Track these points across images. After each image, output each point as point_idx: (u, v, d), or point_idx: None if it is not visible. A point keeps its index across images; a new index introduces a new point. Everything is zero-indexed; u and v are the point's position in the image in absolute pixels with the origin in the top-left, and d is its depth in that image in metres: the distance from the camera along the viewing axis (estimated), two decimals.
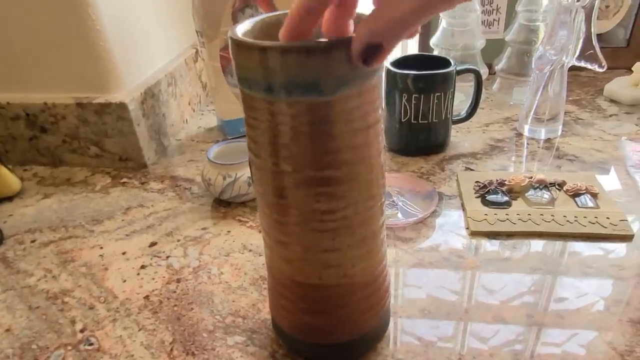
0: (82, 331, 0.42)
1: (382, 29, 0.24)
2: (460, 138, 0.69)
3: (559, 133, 0.68)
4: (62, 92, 0.63)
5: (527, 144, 0.67)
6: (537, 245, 0.48)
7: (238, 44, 0.27)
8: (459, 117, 0.67)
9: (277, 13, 0.31)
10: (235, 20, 0.65)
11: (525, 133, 0.68)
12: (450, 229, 0.51)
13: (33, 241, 0.53)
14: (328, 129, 0.27)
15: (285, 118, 0.27)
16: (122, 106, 0.61)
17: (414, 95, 0.61)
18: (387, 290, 0.37)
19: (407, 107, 0.62)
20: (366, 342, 0.37)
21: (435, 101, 0.61)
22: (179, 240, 0.52)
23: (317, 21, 0.26)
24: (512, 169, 0.61)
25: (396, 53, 1.00)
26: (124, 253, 0.51)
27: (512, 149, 0.66)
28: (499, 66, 0.80)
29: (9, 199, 0.61)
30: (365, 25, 0.24)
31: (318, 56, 0.25)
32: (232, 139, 0.58)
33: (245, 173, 0.54)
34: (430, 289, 0.44)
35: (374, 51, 0.24)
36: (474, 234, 0.50)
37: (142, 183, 0.63)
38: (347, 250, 0.32)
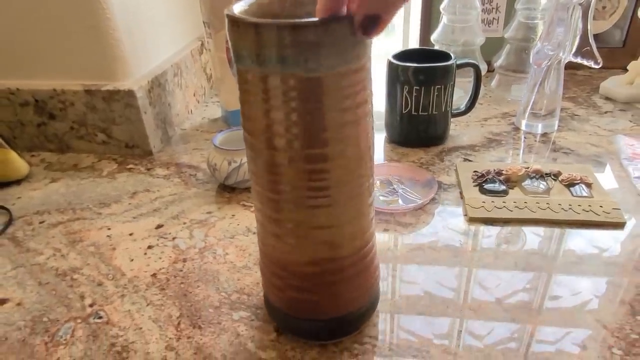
0: (91, 305, 0.43)
1: (378, 1, 0.26)
2: (459, 131, 0.71)
3: (555, 128, 0.70)
4: (71, 79, 0.64)
5: (524, 137, 0.69)
6: (533, 236, 0.50)
7: (234, 21, 0.28)
8: (458, 111, 0.69)
9: None
10: None
11: (523, 127, 0.70)
12: (449, 215, 0.53)
13: (42, 222, 0.55)
14: (318, 105, 0.29)
15: (277, 92, 0.28)
16: (130, 94, 0.62)
17: (414, 88, 0.62)
18: (377, 268, 0.38)
19: (408, 99, 0.63)
20: (357, 318, 0.38)
21: (436, 94, 0.63)
22: (184, 223, 0.53)
23: None
24: (510, 160, 0.63)
25: (398, 47, 1.02)
26: (131, 234, 0.52)
27: (510, 142, 0.68)
28: (498, 63, 0.82)
29: (17, 182, 0.62)
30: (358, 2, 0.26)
31: (310, 34, 0.26)
32: (237, 128, 0.59)
33: None
34: (429, 276, 0.45)
35: (373, 22, 0.26)
36: (472, 220, 0.51)
37: (148, 169, 0.64)
38: (338, 228, 0.33)
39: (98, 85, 0.63)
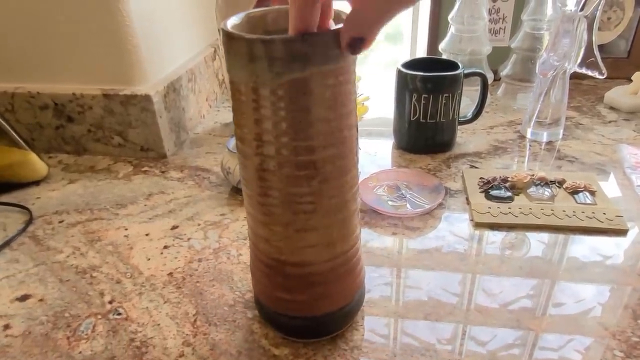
0: (110, 302, 0.45)
1: (361, 26, 0.28)
2: (466, 139, 0.72)
3: (560, 136, 0.71)
4: (89, 84, 0.67)
5: (530, 145, 0.70)
6: (537, 242, 0.51)
7: (227, 35, 0.30)
8: (465, 118, 0.70)
9: (262, 9, 0.35)
10: None
11: (528, 136, 0.71)
12: (456, 220, 0.54)
13: (61, 222, 0.56)
14: (305, 112, 0.31)
15: (266, 102, 0.30)
16: (147, 98, 0.64)
17: (423, 96, 0.64)
18: (362, 268, 0.40)
19: (417, 106, 0.65)
20: (342, 316, 0.39)
21: (444, 102, 0.64)
22: (199, 225, 0.55)
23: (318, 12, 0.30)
24: (515, 167, 0.65)
25: (407, 55, 1.04)
26: (147, 234, 0.54)
27: (515, 150, 0.69)
28: (504, 72, 0.83)
29: (36, 183, 0.64)
30: (347, 23, 0.29)
31: (298, 47, 0.29)
32: None
33: None
34: (436, 279, 0.47)
35: (358, 43, 0.29)
36: (478, 225, 0.53)
37: (163, 172, 0.66)
38: (325, 231, 0.35)
39: (116, 90, 0.65)
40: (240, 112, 0.33)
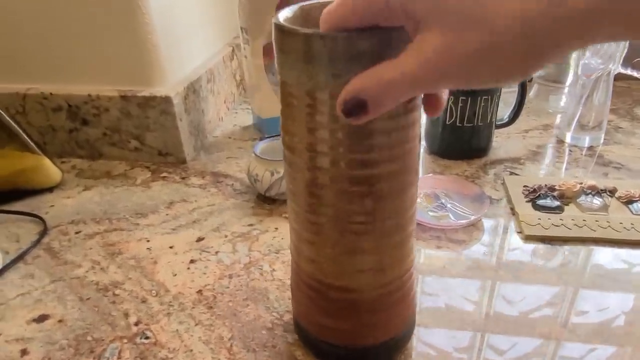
0: (136, 324, 0.41)
1: (373, 86, 0.23)
2: (500, 143, 0.69)
3: (602, 141, 0.67)
4: (105, 84, 0.63)
5: (570, 150, 0.66)
6: (596, 256, 0.47)
7: (282, 31, 0.27)
8: (501, 122, 0.66)
9: (316, 1, 0.31)
10: None
11: (568, 140, 0.68)
12: (502, 232, 0.50)
13: (77, 232, 0.53)
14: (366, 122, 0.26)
15: (324, 108, 0.27)
16: (167, 100, 0.61)
17: (460, 98, 0.60)
18: (414, 296, 0.36)
19: (453, 109, 0.61)
20: (388, 348, 0.36)
21: (482, 104, 0.60)
22: (226, 236, 0.51)
23: None
24: (558, 174, 0.61)
25: None
26: (171, 247, 0.50)
27: (555, 155, 0.65)
28: (538, 72, 0.80)
29: (50, 189, 0.60)
30: (359, 78, 0.23)
31: (366, 45, 0.24)
32: (274, 136, 0.58)
33: None
34: (487, 294, 0.43)
35: (357, 108, 0.23)
36: (528, 238, 0.49)
37: (183, 178, 0.62)
38: (377, 255, 0.31)
39: (134, 91, 0.62)
40: (291, 118, 0.29)
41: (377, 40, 0.24)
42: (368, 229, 0.30)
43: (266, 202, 0.57)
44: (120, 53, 0.60)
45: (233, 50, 0.82)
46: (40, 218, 0.55)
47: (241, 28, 0.66)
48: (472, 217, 0.51)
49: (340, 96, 0.24)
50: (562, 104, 0.79)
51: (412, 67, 0.22)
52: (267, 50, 0.66)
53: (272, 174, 0.54)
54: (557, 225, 0.49)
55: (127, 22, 0.58)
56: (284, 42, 0.27)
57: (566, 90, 0.80)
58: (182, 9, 0.66)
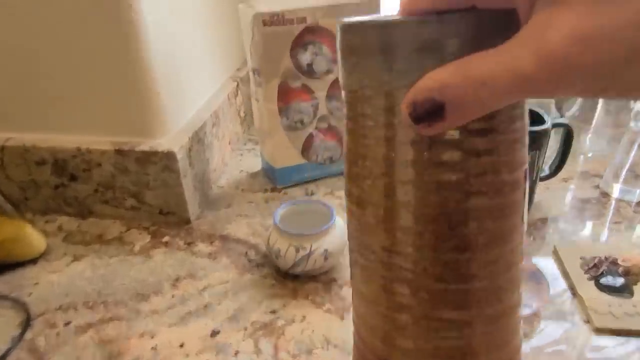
0: None
1: (457, 84, 0.17)
2: (541, 196, 0.62)
3: None
4: (98, 135, 0.54)
5: (619, 207, 0.60)
6: None
7: (351, 27, 0.21)
8: (544, 174, 0.60)
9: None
10: (295, 58, 0.57)
11: (615, 194, 0.61)
12: (566, 321, 0.44)
13: (67, 323, 0.44)
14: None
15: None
16: (170, 156, 0.52)
17: None
18: None
19: None
20: None
21: (529, 160, 0.54)
22: (245, 329, 0.43)
23: None
24: (610, 237, 0.54)
25: None
26: (181, 345, 0.42)
27: (602, 212, 0.59)
28: (570, 112, 0.73)
29: (33, 261, 0.52)
30: (438, 72, 0.17)
31: (462, 28, 0.19)
32: (299, 201, 0.50)
33: (322, 245, 0.46)
34: None
35: (431, 113, 0.18)
36: (599, 331, 0.42)
37: (188, 244, 0.54)
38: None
39: (131, 144, 0.53)
40: (362, 141, 0.23)
41: (475, 22, 0.19)
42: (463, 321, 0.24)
43: (288, 278, 0.49)
44: (115, 101, 0.52)
45: (238, 85, 0.74)
46: (23, 303, 0.46)
47: (253, 70, 0.59)
48: (535, 305, 0.44)
49: (407, 95, 0.18)
50: (596, 146, 0.73)
51: (522, 60, 0.15)
52: (281, 93, 0.58)
53: (297, 250, 0.46)
54: (630, 315, 0.43)
55: (123, 63, 0.50)
56: (354, 39, 0.22)
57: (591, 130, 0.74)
58: (183, 48, 0.58)
